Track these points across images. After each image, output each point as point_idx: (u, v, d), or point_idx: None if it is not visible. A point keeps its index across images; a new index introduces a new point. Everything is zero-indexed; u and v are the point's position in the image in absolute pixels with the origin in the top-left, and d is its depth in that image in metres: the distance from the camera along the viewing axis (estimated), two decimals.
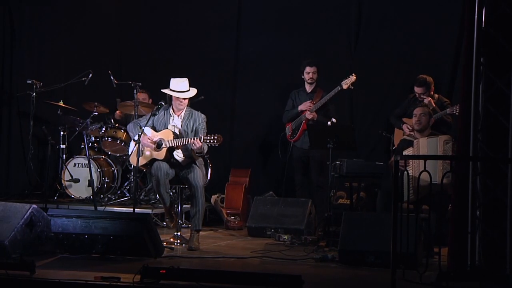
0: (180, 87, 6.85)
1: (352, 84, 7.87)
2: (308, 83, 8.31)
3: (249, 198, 8.52)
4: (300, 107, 8.25)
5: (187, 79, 6.89)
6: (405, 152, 6.79)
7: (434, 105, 7.66)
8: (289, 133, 8.37)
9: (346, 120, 8.72)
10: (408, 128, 7.65)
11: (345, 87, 7.89)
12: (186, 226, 7.54)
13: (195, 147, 6.55)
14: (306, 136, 7.96)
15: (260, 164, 9.32)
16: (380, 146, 8.57)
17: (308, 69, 8.27)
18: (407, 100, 8.03)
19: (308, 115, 8.07)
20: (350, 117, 8.86)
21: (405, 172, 5.73)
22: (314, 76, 8.25)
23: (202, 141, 6.49)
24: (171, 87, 6.87)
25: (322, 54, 8.87)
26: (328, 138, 7.28)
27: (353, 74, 7.88)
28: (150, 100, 9.02)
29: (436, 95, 7.91)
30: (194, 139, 6.55)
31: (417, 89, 7.84)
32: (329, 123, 7.64)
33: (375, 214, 6.82)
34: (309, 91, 8.33)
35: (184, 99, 6.86)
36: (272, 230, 7.49)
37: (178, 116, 6.92)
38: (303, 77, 8.33)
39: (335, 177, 7.28)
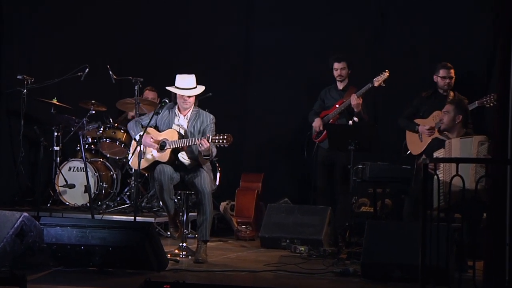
0: (186, 84, 6.83)
1: (385, 81, 7.85)
2: (338, 80, 8.33)
3: (262, 206, 8.52)
4: (314, 124, 8.30)
5: (194, 76, 6.88)
6: (436, 154, 6.74)
7: None
8: (315, 133, 8.36)
9: (370, 119, 8.69)
10: (427, 130, 7.62)
11: (376, 84, 7.88)
12: (193, 236, 7.55)
13: (202, 148, 6.53)
14: None
15: (274, 168, 9.32)
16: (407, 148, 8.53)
17: (336, 65, 8.29)
18: (418, 98, 8.00)
19: (354, 100, 7.99)
20: (374, 116, 8.84)
21: (435, 177, 5.70)
22: (342, 72, 8.27)
23: (210, 141, 6.48)
24: (176, 84, 6.86)
25: (342, 48, 8.86)
26: (349, 139, 7.28)
27: (386, 70, 7.86)
28: (158, 100, 9.04)
29: (452, 93, 7.89)
30: (201, 139, 6.53)
31: (443, 72, 7.81)
32: (350, 122, 7.63)
33: (401, 223, 6.81)
34: (340, 88, 8.35)
35: (189, 97, 6.84)
36: (288, 241, 7.49)
37: (184, 116, 6.91)
38: (333, 74, 8.38)
39: (357, 182, 7.27)
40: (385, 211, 7.88)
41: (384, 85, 7.86)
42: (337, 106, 8.18)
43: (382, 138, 7.71)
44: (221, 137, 6.45)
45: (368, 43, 9.03)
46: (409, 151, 7.90)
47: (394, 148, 8.56)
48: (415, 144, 7.81)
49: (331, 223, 7.68)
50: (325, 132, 8.20)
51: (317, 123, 8.30)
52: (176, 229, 7.04)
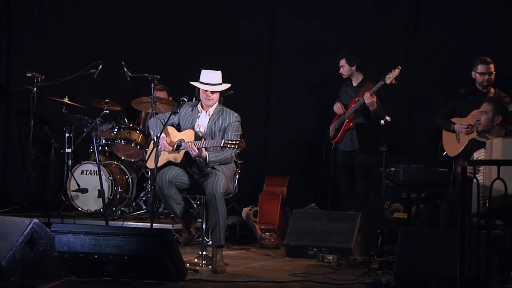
0: (211, 79, 6.87)
1: (396, 78, 7.79)
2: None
3: (287, 211, 8.52)
4: (336, 108, 8.28)
5: (220, 72, 6.93)
6: (476, 155, 6.65)
7: None
8: (332, 133, 8.35)
9: (403, 118, 8.65)
10: (464, 128, 7.56)
11: (388, 81, 7.83)
12: None
13: (193, 154, 6.59)
14: (349, 137, 7.97)
15: (299, 171, 9.32)
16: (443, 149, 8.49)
17: (340, 62, 8.29)
18: (455, 96, 7.95)
19: (367, 99, 7.98)
20: (407, 116, 8.79)
21: (474, 180, 5.64)
22: (343, 70, 8.26)
23: (223, 145, 6.49)
24: (201, 78, 6.91)
25: (373, 42, 8.85)
26: (381, 140, 7.26)
27: (398, 67, 7.80)
28: (171, 98, 9.06)
29: (493, 89, 7.82)
30: (190, 144, 6.58)
31: (482, 68, 7.75)
32: (382, 121, 7.59)
33: (438, 231, 6.75)
34: (355, 85, 8.32)
35: (213, 93, 6.87)
36: (315, 249, 7.46)
37: (206, 112, 6.94)
38: None
39: (389, 186, 7.25)
40: (420, 217, 7.86)
41: (395, 82, 7.80)
42: (353, 105, 8.15)
43: (416, 138, 7.67)
44: (233, 142, 6.46)
45: (401, 36, 8.99)
46: (445, 153, 7.84)
47: (429, 149, 8.54)
48: (452, 145, 7.76)
49: (362, 230, 7.65)
50: (341, 132, 8.19)
51: (337, 104, 8.29)
52: (188, 236, 7.09)
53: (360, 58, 8.26)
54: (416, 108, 8.93)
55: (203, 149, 6.60)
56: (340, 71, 8.30)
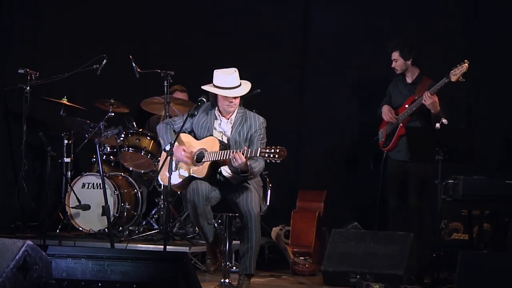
0: (229, 82, 6.81)
1: (463, 75, 7.74)
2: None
3: (325, 232, 8.52)
4: (385, 115, 8.24)
5: (236, 70, 6.88)
6: None
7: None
8: (382, 139, 8.31)
9: (461, 121, 8.59)
10: None
11: (453, 79, 7.77)
12: (237, 270, 7.51)
13: (236, 164, 6.52)
14: (404, 144, 7.92)
15: (339, 183, 9.32)
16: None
17: (393, 55, 8.25)
18: None
19: (427, 99, 7.91)
20: (467, 119, 8.74)
21: None
22: (395, 64, 8.22)
23: (258, 154, 6.44)
24: (215, 82, 6.85)
25: (424, 31, 8.87)
26: (436, 147, 7.23)
27: (465, 61, 7.75)
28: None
29: None
30: (235, 152, 6.51)
31: None
32: (437, 125, 7.55)
33: (505, 255, 6.77)
34: (410, 81, 8.26)
35: (235, 98, 6.84)
36: (358, 276, 7.43)
37: (228, 119, 6.91)
38: None
39: (447, 201, 7.23)
40: (484, 238, 7.80)
41: (463, 79, 7.74)
42: (406, 106, 8.10)
43: (479, 146, 7.68)
44: (272, 151, 6.38)
45: (458, 24, 8.96)
46: None
47: (493, 158, 8.48)
48: None
49: (414, 253, 7.59)
50: (395, 138, 8.16)
51: (386, 110, 8.25)
52: (214, 261, 7.05)
53: (416, 51, 8.21)
54: (477, 109, 8.87)
55: (244, 159, 6.50)
56: (392, 65, 8.25)
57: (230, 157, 6.53)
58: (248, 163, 6.55)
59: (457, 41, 8.90)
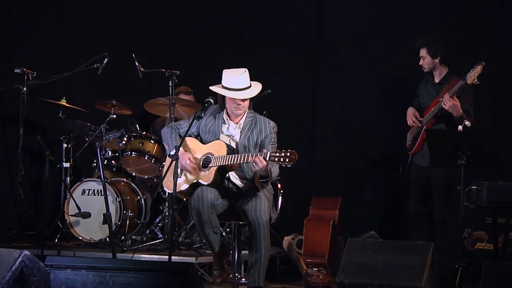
0: (237, 83, 6.82)
1: (478, 77, 7.72)
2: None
3: (340, 241, 8.51)
4: (408, 119, 8.25)
5: (246, 70, 6.88)
6: None
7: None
8: (409, 142, 8.29)
9: (486, 123, 8.57)
10: None
11: (469, 81, 7.77)
12: (246, 282, 7.50)
13: (257, 168, 6.51)
14: (428, 149, 7.90)
15: (355, 189, 9.31)
16: None
17: (421, 52, 8.23)
18: None
19: (447, 102, 7.88)
20: (492, 119, 8.74)
21: None
22: (422, 62, 8.19)
23: (268, 158, 6.43)
24: (223, 83, 6.87)
25: (448, 28, 8.83)
26: (458, 151, 7.21)
27: (481, 63, 7.74)
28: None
29: None
30: (255, 156, 6.49)
31: None
32: (460, 127, 7.52)
33: None
34: (437, 81, 8.24)
35: (243, 100, 6.84)
36: None
37: (236, 123, 6.91)
38: None
39: (470, 209, 7.20)
40: (510, 249, 7.75)
41: (478, 82, 7.73)
42: (432, 108, 8.08)
43: (505, 149, 7.66)
44: (282, 155, 6.39)
45: (483, 20, 8.95)
46: None
47: None
48: None
49: (435, 264, 7.55)
50: (419, 142, 8.16)
51: (409, 112, 8.25)
52: (221, 272, 7.07)
53: (445, 48, 8.18)
54: (502, 110, 8.86)
55: (266, 161, 6.49)
56: (420, 63, 8.22)
57: (250, 161, 6.52)
58: (269, 167, 6.55)
59: (480, 38, 8.87)
